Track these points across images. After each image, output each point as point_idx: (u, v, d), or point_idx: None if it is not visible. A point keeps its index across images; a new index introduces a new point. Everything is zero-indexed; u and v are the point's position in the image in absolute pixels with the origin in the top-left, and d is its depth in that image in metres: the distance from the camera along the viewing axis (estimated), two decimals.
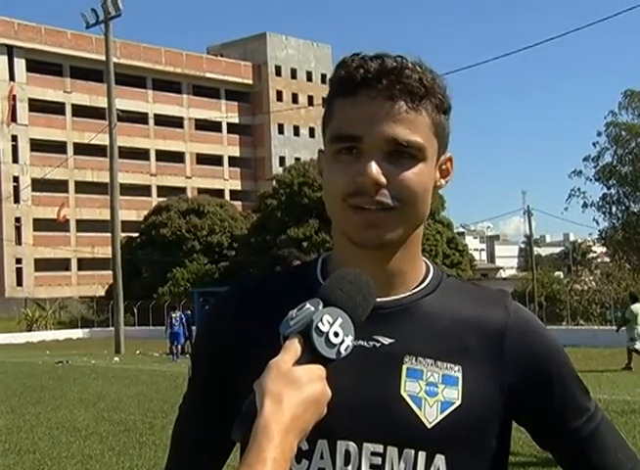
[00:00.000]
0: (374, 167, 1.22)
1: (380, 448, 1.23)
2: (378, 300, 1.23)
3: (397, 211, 1.24)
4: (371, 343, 1.26)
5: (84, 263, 64.98)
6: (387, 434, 1.23)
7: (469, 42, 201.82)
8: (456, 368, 1.27)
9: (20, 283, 62.08)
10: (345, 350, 1.11)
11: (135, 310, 43.20)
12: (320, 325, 1.09)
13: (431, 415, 1.24)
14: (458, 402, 1.26)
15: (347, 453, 1.23)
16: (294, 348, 1.09)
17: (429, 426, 1.24)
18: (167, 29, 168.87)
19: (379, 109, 1.24)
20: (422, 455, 1.23)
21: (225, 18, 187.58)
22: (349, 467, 1.23)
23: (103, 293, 51.84)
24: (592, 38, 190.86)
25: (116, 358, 26.81)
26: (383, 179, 1.23)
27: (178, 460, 1.46)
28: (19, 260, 62.41)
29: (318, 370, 1.09)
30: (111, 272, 33.99)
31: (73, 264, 65.71)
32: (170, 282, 47.32)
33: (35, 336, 42.23)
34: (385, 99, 1.24)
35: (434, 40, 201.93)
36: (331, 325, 1.10)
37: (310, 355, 1.09)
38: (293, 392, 1.06)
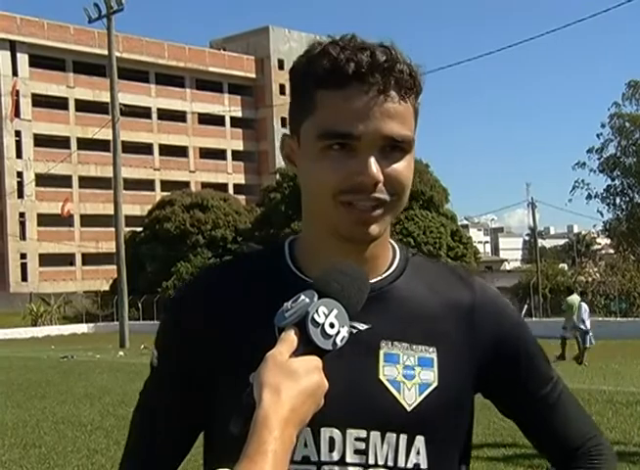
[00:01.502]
0: (374, 167, 1.22)
1: (363, 434, 1.25)
2: None
3: (390, 204, 1.26)
4: None
5: (88, 258, 65.07)
6: (369, 419, 1.26)
7: (473, 35, 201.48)
8: (431, 350, 1.31)
9: (24, 278, 62.18)
10: (341, 340, 1.11)
11: (139, 305, 43.26)
12: (316, 316, 1.10)
13: (410, 398, 1.27)
14: (435, 384, 1.29)
15: (332, 440, 1.25)
16: (290, 339, 1.10)
17: (408, 409, 1.27)
18: (170, 24, 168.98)
19: (372, 104, 1.23)
20: (403, 438, 1.26)
21: (228, 11, 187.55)
22: (334, 453, 1.25)
23: (107, 287, 51.89)
24: (596, 29, 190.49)
25: (121, 353, 26.83)
26: (382, 177, 1.23)
27: (137, 448, 1.42)
28: (23, 256, 62.51)
29: (315, 361, 1.10)
30: (115, 267, 33.98)
31: (78, 259, 65.79)
32: (174, 276, 47.32)
33: (40, 331, 42.33)
34: (377, 93, 1.23)
35: (437, 32, 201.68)
36: (326, 316, 1.11)
37: (306, 347, 1.10)
38: (291, 383, 1.06)
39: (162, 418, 1.39)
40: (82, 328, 44.49)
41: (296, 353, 1.09)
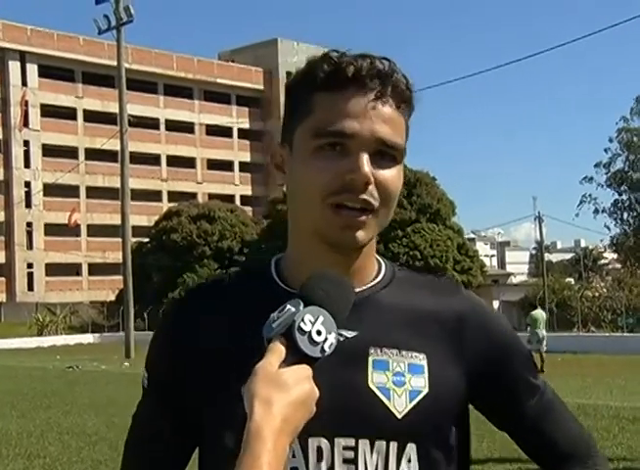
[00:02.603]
0: (366, 165, 1.22)
1: (352, 442, 1.24)
2: None
3: (376, 212, 1.25)
4: None
5: (95, 268, 65.13)
6: (357, 427, 1.24)
7: (481, 48, 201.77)
8: (421, 356, 1.29)
9: (31, 288, 62.26)
10: (329, 347, 1.11)
11: (145, 315, 43.19)
12: (302, 325, 1.10)
13: (400, 405, 1.26)
14: (426, 391, 1.28)
15: (319, 450, 1.23)
16: (278, 349, 1.10)
17: (399, 416, 1.25)
18: (179, 35, 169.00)
19: (369, 107, 1.24)
20: (393, 446, 1.25)
21: (236, 24, 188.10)
22: (322, 464, 1.23)
23: (113, 298, 51.91)
24: (605, 43, 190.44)
25: (127, 363, 26.83)
26: (372, 178, 1.23)
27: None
28: (30, 265, 62.60)
29: (305, 370, 1.10)
30: (121, 277, 34.05)
31: (84, 269, 65.86)
32: (181, 287, 47.32)
33: (46, 341, 42.26)
34: (375, 98, 1.24)
35: (446, 46, 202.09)
36: (313, 324, 1.11)
37: (295, 356, 1.10)
38: (282, 394, 1.06)
39: (161, 443, 1.38)
40: (88, 338, 44.43)
41: (285, 363, 1.09)
